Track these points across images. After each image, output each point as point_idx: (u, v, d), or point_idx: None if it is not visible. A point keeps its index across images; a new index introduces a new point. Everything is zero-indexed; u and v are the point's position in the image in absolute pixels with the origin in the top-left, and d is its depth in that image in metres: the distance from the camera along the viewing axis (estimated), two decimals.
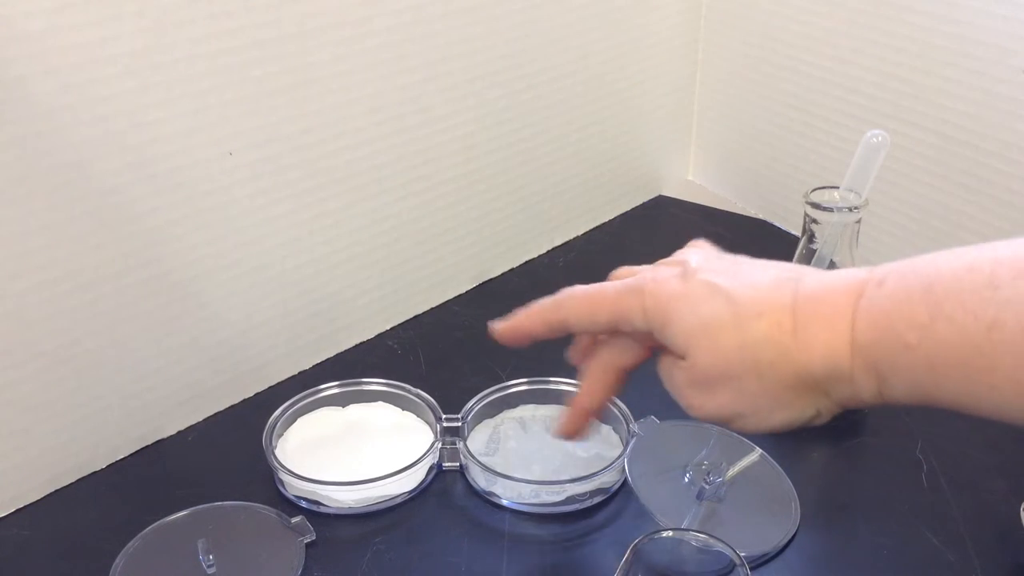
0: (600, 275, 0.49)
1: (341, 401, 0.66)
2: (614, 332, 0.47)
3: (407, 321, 0.77)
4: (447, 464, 0.63)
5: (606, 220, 0.90)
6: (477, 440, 0.63)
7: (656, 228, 0.90)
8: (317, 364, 0.72)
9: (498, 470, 0.60)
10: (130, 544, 0.55)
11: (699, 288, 0.42)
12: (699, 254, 0.45)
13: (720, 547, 0.47)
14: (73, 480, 0.62)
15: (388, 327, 0.76)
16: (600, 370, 0.48)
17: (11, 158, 0.52)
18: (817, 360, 0.39)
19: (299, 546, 0.56)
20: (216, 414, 0.67)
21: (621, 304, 0.44)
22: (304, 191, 0.65)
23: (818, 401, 0.40)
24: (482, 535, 0.58)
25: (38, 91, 0.51)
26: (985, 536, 0.57)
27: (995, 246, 0.36)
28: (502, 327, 0.49)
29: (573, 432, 0.51)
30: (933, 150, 0.73)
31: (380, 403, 0.66)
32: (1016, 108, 0.67)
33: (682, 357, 0.42)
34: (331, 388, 0.66)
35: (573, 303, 0.46)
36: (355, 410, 0.66)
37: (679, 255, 0.45)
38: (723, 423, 0.43)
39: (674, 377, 0.44)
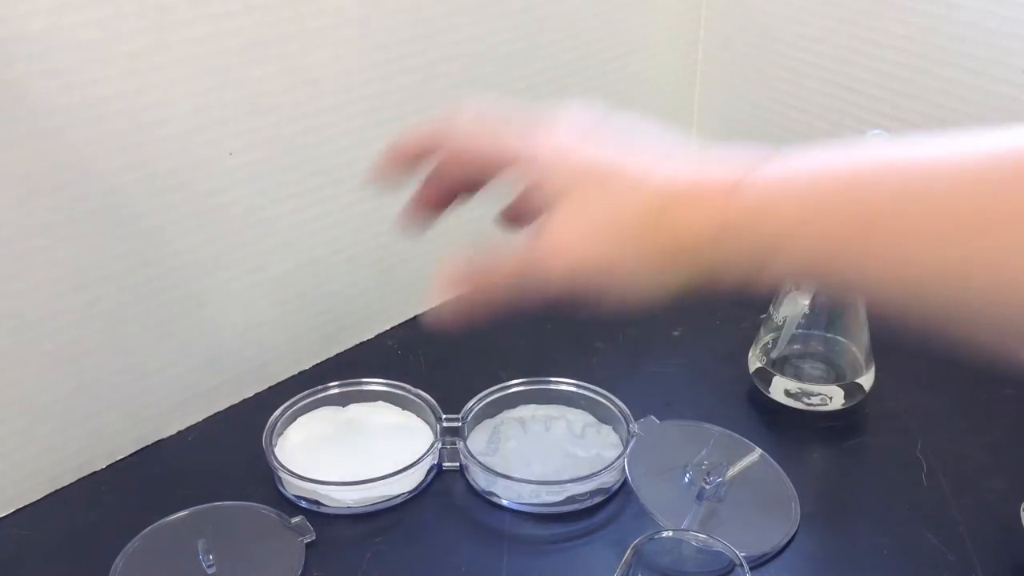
0: None
1: (341, 401, 0.66)
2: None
3: (407, 321, 0.77)
4: (447, 464, 0.63)
5: None
6: (477, 440, 0.63)
7: None
8: (317, 364, 0.72)
9: (498, 470, 0.60)
10: (130, 544, 0.55)
11: (582, 163, 0.41)
12: (573, 123, 0.43)
13: (720, 547, 0.47)
14: (73, 480, 0.62)
15: (388, 327, 0.76)
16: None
17: (11, 158, 0.52)
18: (684, 231, 0.39)
19: (299, 546, 0.56)
20: (216, 414, 0.67)
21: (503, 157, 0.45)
22: (304, 191, 0.65)
23: (684, 272, 0.40)
24: (482, 535, 0.58)
25: (38, 91, 0.51)
26: (985, 536, 0.57)
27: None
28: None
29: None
30: None
31: (380, 403, 0.66)
32: (1016, 108, 0.66)
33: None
34: (331, 388, 0.66)
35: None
36: (355, 410, 0.66)
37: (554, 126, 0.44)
38: (591, 284, 0.41)
39: (548, 226, 0.42)
